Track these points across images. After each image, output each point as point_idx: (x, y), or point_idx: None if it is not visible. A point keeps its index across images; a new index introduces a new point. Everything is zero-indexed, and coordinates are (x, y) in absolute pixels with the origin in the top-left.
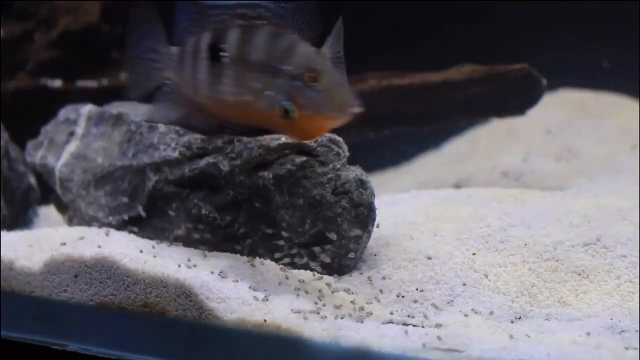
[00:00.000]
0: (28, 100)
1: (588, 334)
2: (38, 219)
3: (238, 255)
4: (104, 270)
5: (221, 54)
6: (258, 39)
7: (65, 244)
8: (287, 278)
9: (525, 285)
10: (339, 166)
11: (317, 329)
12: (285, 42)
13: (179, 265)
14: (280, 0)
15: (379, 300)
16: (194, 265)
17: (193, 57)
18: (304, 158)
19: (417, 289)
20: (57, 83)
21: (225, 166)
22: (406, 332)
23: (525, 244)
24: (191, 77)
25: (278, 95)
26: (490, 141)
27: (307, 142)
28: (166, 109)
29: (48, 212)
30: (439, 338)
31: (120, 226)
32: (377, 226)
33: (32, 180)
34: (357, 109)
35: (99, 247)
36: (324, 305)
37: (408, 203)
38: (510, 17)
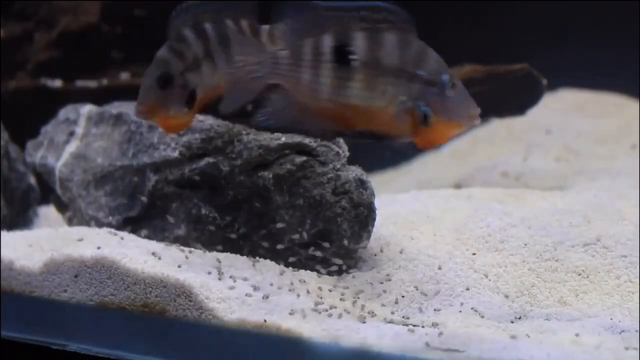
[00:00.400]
0: (28, 100)
1: (588, 334)
2: (38, 219)
3: (238, 255)
4: (104, 270)
5: (350, 57)
6: (389, 43)
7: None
8: (287, 278)
9: (525, 285)
10: (339, 166)
11: (317, 329)
12: (415, 47)
13: (179, 265)
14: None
15: (378, 300)
16: (194, 265)
17: (313, 60)
18: (304, 158)
19: (417, 289)
20: (57, 83)
21: (225, 166)
22: (406, 332)
23: (525, 244)
24: (310, 81)
25: (415, 101)
26: (490, 141)
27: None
28: (276, 115)
29: (48, 212)
30: (439, 338)
31: (120, 226)
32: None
33: (32, 180)
34: (479, 119)
35: (99, 247)
36: (324, 305)
37: (408, 203)
38: (510, 17)
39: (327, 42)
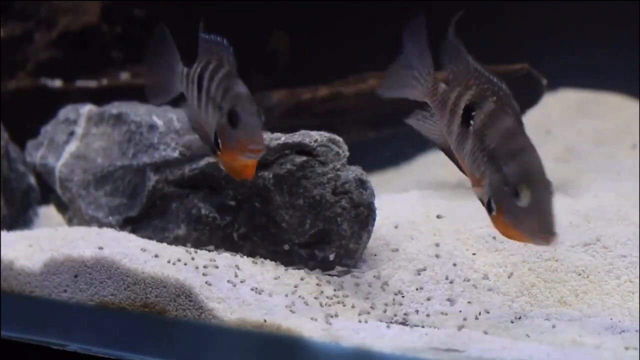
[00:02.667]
0: (28, 100)
1: (588, 334)
2: (38, 219)
3: (238, 255)
4: (104, 270)
5: (471, 121)
6: (498, 126)
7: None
8: (287, 278)
9: (525, 285)
10: (339, 166)
11: (317, 329)
12: (517, 141)
13: (179, 265)
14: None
15: (378, 300)
16: (194, 265)
17: (451, 110)
18: (304, 158)
19: (417, 289)
20: (57, 83)
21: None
22: (406, 332)
23: (526, 244)
24: (445, 128)
25: (489, 189)
26: None
27: None
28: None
29: (48, 212)
30: (439, 338)
31: (120, 226)
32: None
33: (32, 180)
34: (552, 239)
35: (99, 247)
36: (324, 305)
37: (408, 203)
38: (510, 17)
39: (464, 97)
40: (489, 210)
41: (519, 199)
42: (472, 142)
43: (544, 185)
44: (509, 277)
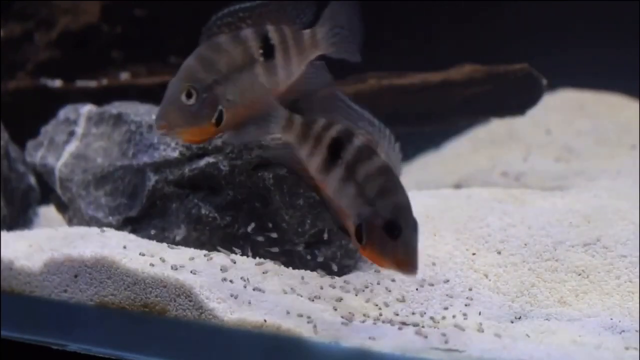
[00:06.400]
0: (28, 100)
1: (588, 334)
2: (38, 219)
3: (238, 255)
4: (104, 270)
5: (340, 154)
6: (372, 165)
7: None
8: (287, 278)
9: (525, 285)
10: None
11: (317, 329)
12: (388, 179)
13: (179, 266)
14: None
15: (378, 300)
16: (194, 265)
17: (315, 140)
18: None
19: (417, 289)
20: (57, 83)
21: (225, 166)
22: (406, 332)
23: (525, 244)
24: (307, 156)
25: (359, 220)
26: (490, 141)
27: None
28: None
29: (48, 212)
30: (439, 337)
31: (120, 226)
32: None
33: (32, 180)
34: (413, 273)
35: (99, 247)
36: (324, 305)
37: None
38: (510, 17)
39: (332, 132)
40: (359, 240)
41: (389, 234)
42: (341, 174)
43: (411, 224)
44: (509, 277)
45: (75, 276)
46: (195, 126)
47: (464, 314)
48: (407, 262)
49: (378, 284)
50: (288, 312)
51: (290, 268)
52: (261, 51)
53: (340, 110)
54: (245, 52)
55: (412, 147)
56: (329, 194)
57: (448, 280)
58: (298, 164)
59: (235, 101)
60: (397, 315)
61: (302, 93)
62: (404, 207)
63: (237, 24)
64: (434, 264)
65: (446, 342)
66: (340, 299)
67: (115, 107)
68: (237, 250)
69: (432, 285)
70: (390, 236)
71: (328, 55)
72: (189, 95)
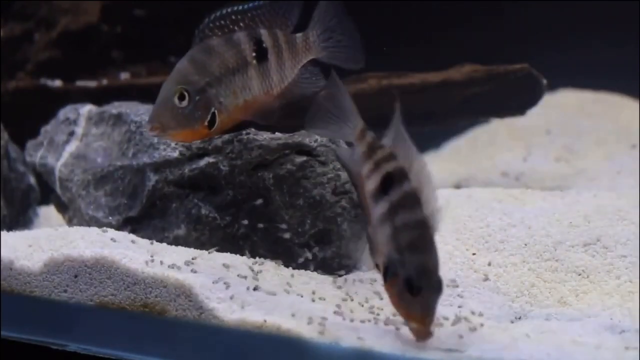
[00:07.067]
0: (28, 100)
1: (588, 334)
2: (38, 219)
3: (238, 255)
4: (104, 270)
5: (389, 190)
6: (409, 212)
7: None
8: (287, 278)
9: (525, 285)
10: (339, 166)
11: (317, 329)
12: (422, 236)
13: (179, 266)
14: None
15: (378, 300)
16: (194, 265)
17: (375, 164)
18: (304, 158)
19: None
20: (57, 83)
21: (225, 166)
22: (406, 332)
23: (525, 244)
24: (365, 170)
25: (387, 261)
26: (490, 141)
27: None
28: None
29: (48, 212)
30: (439, 338)
31: (120, 226)
32: None
33: (32, 180)
34: (426, 337)
35: (99, 247)
36: (324, 305)
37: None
38: (510, 17)
39: (391, 166)
40: (385, 278)
41: (408, 290)
42: (385, 210)
43: (432, 286)
44: (509, 277)
45: (75, 276)
46: (188, 128)
47: (464, 314)
48: (420, 322)
49: (378, 283)
50: (288, 312)
51: (291, 268)
52: (254, 54)
53: (402, 140)
54: (239, 55)
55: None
56: (372, 221)
57: (448, 280)
58: (358, 175)
59: (228, 104)
60: (397, 315)
61: (296, 97)
62: (429, 268)
63: (230, 27)
64: None
65: (446, 342)
66: (340, 299)
67: (115, 107)
68: (236, 250)
69: None
70: (409, 292)
71: (320, 59)
72: (181, 98)
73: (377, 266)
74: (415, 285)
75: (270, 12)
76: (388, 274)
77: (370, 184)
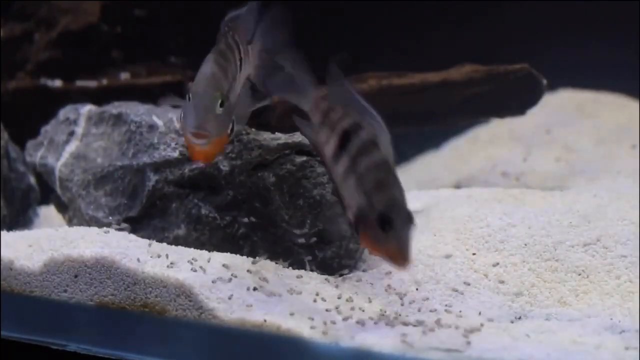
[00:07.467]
0: (28, 100)
1: (588, 334)
2: (38, 219)
3: (238, 255)
4: (104, 270)
5: (347, 145)
6: (370, 157)
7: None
8: (287, 278)
9: (525, 285)
10: None
11: (317, 329)
12: (385, 174)
13: (179, 266)
14: None
15: (379, 301)
16: (194, 265)
17: (331, 128)
18: (304, 158)
19: (417, 289)
20: (57, 83)
21: (225, 166)
22: (406, 332)
23: (525, 244)
24: (323, 138)
25: (357, 211)
26: (490, 141)
27: None
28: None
29: (48, 212)
30: (439, 338)
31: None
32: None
33: (32, 180)
34: (407, 265)
35: (99, 247)
36: (324, 305)
37: (408, 203)
38: (510, 17)
39: (345, 123)
40: (356, 228)
41: (381, 227)
42: (346, 165)
43: (403, 218)
44: (509, 277)
45: (75, 276)
46: (224, 134)
47: (464, 314)
48: (398, 254)
49: (378, 283)
50: (288, 312)
51: (290, 268)
52: (239, 63)
53: (352, 102)
54: (236, 62)
55: (412, 147)
56: (337, 183)
57: (448, 281)
58: (319, 145)
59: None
60: (397, 315)
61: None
62: (397, 201)
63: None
64: (434, 264)
65: (446, 342)
66: (340, 299)
67: (115, 107)
68: (236, 250)
69: (432, 285)
70: (383, 229)
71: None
72: (221, 104)
73: (350, 224)
74: (388, 220)
75: (242, 21)
76: (360, 222)
77: (330, 148)
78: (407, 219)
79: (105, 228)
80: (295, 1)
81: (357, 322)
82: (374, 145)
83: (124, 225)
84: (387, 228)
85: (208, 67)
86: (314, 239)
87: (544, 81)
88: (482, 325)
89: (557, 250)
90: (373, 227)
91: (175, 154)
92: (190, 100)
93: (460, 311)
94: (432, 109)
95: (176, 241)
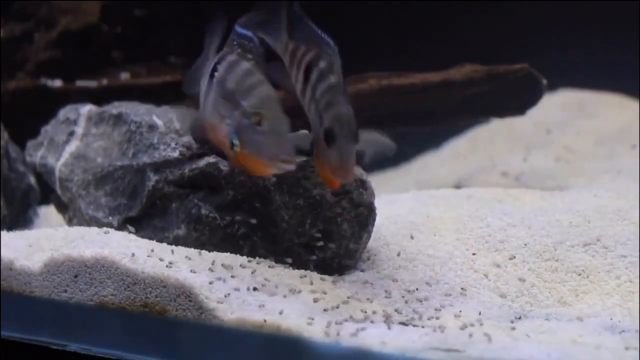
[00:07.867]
0: (28, 100)
1: (588, 334)
2: (38, 219)
3: (238, 255)
4: (104, 270)
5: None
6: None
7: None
8: (287, 278)
9: (525, 285)
10: None
11: (317, 329)
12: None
13: (179, 265)
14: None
15: (379, 301)
16: (195, 265)
17: (297, 66)
18: (304, 158)
19: (417, 289)
20: (57, 83)
21: (225, 166)
22: (406, 332)
23: (525, 244)
24: (294, 79)
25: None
26: (490, 141)
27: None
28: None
29: (48, 212)
30: (439, 338)
31: (120, 226)
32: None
33: (32, 180)
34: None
35: (99, 247)
36: (324, 305)
37: (408, 203)
38: (510, 17)
39: (307, 57)
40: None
41: (326, 142)
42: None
43: (345, 133)
44: (509, 277)
45: (75, 276)
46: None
47: (464, 314)
48: (339, 166)
49: (378, 283)
50: (288, 312)
51: (290, 268)
52: None
53: (312, 37)
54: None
55: (412, 147)
56: (307, 114)
57: (448, 280)
58: (289, 87)
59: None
60: (397, 315)
61: None
62: (342, 118)
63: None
64: (434, 264)
65: (446, 342)
66: (340, 299)
67: (115, 107)
68: (236, 250)
69: (432, 285)
70: (327, 144)
71: None
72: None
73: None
74: (329, 133)
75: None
76: (315, 145)
77: (298, 84)
78: (350, 133)
79: (105, 228)
80: (295, 1)
81: (357, 322)
82: (329, 71)
83: (130, 228)
84: (330, 142)
85: (265, 87)
86: (314, 239)
87: (544, 81)
88: (482, 325)
89: (557, 250)
90: (321, 144)
91: (175, 154)
92: (270, 125)
93: (460, 311)
94: (432, 109)
95: (176, 241)
